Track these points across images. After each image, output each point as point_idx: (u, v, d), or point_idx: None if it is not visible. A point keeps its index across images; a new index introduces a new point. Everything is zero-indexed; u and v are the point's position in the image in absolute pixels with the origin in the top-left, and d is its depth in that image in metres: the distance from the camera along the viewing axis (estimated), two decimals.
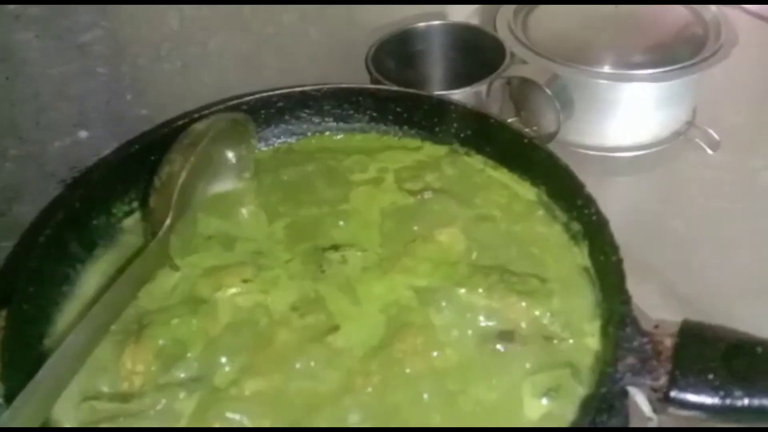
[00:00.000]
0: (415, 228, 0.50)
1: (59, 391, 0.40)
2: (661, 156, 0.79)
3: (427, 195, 0.52)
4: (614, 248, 0.43)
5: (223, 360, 0.44)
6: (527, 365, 0.42)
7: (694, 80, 0.75)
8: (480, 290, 0.46)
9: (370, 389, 0.42)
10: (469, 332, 0.44)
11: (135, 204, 0.55)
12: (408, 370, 0.42)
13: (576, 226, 0.50)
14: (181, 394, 0.41)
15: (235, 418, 0.41)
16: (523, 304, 0.45)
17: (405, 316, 0.45)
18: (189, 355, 0.44)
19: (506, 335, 0.43)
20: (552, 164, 0.50)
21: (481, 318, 0.45)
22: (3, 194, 0.71)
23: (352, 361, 0.43)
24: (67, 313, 0.47)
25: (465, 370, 0.42)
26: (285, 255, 0.50)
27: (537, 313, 0.45)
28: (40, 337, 0.45)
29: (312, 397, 0.42)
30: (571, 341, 0.43)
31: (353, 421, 0.40)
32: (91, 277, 0.50)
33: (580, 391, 0.40)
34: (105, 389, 0.43)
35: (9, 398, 0.39)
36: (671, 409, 0.37)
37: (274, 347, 0.45)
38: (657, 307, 0.56)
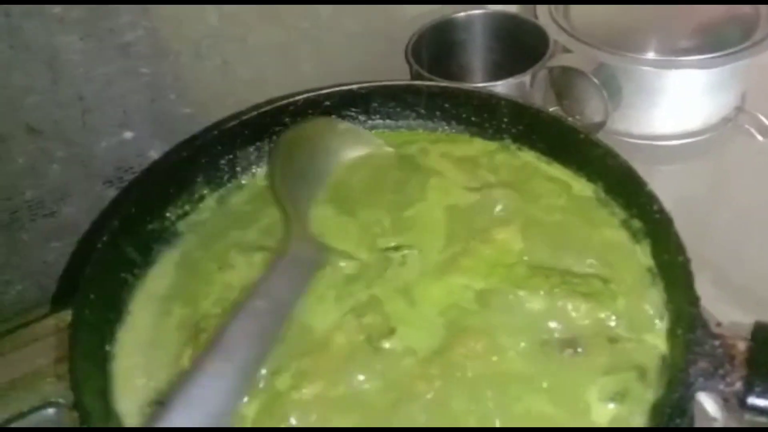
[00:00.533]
0: (475, 227, 0.49)
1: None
2: (710, 143, 0.77)
3: (488, 193, 0.51)
4: (681, 248, 0.41)
5: (280, 364, 0.44)
6: (592, 369, 0.41)
7: (744, 65, 0.73)
8: (541, 292, 0.45)
9: (430, 394, 0.41)
10: (531, 336, 0.43)
11: (187, 207, 0.55)
12: (470, 374, 0.42)
13: (636, 224, 0.48)
14: (244, 398, 0.41)
15: (297, 422, 0.41)
16: (587, 306, 0.44)
17: (464, 319, 0.45)
18: None
19: (570, 342, 0.42)
20: (611, 161, 0.49)
21: (543, 321, 0.44)
22: (51, 195, 0.72)
23: (412, 365, 0.43)
24: (127, 318, 0.48)
25: (528, 375, 0.42)
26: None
27: (602, 315, 0.44)
28: (102, 342, 0.46)
29: (372, 400, 0.42)
30: (636, 343, 0.42)
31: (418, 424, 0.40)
32: (149, 281, 0.50)
33: (648, 395, 0.39)
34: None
35: (78, 406, 0.39)
36: (747, 416, 0.36)
37: (331, 351, 0.44)
38: (711, 297, 0.55)
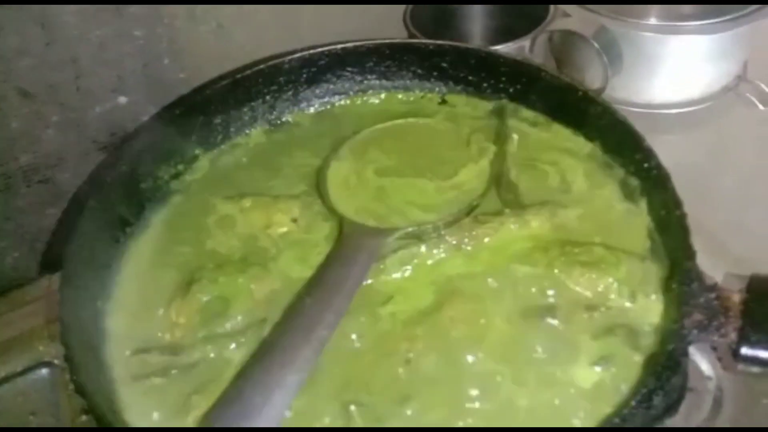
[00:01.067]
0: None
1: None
2: (711, 112, 0.76)
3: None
4: (677, 203, 0.41)
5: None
6: (582, 335, 0.41)
7: (746, 32, 0.72)
8: (539, 267, 0.45)
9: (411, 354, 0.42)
10: (521, 305, 0.43)
11: (180, 167, 0.54)
12: (453, 335, 0.42)
13: (634, 182, 0.48)
14: (231, 345, 0.42)
15: None
16: (590, 276, 0.43)
17: (455, 284, 0.45)
18: (231, 311, 0.44)
19: (551, 309, 0.42)
20: (609, 117, 0.48)
21: (537, 292, 0.44)
22: (46, 161, 0.71)
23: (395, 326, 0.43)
24: (118, 275, 0.48)
25: (515, 341, 0.42)
26: None
27: (605, 282, 0.43)
28: (94, 298, 0.46)
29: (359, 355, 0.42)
30: (632, 306, 0.42)
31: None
32: (140, 240, 0.50)
33: (636, 358, 0.39)
34: (152, 342, 0.44)
35: (68, 359, 0.39)
36: (741, 366, 0.35)
37: None
38: (709, 266, 0.55)
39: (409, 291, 0.45)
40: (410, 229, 0.48)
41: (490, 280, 0.45)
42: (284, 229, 0.49)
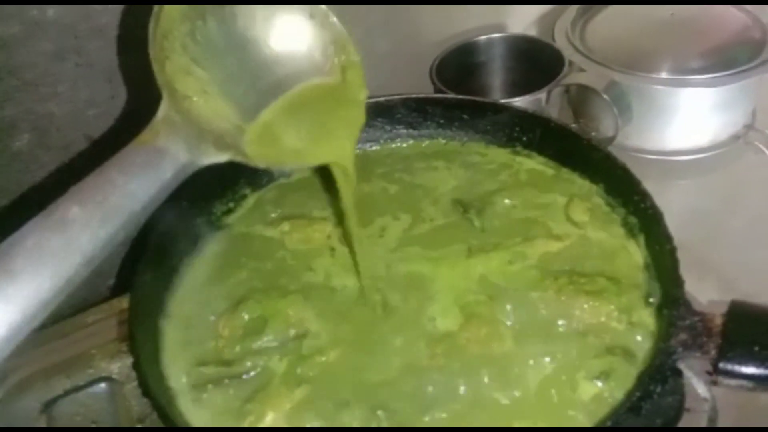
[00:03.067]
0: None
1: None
2: (721, 159, 0.80)
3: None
4: (668, 238, 0.46)
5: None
6: (584, 354, 0.46)
7: (753, 83, 0.77)
8: (551, 292, 0.50)
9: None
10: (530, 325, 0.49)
11: (231, 204, 0.62)
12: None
13: (633, 220, 0.53)
14: (275, 357, 0.48)
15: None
16: (593, 303, 0.48)
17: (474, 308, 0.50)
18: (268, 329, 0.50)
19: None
20: (610, 162, 0.54)
21: (546, 315, 0.49)
22: None
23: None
24: (176, 297, 0.54)
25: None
26: None
27: (607, 309, 0.48)
28: (155, 317, 0.52)
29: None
30: (629, 329, 0.47)
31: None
32: (196, 268, 0.57)
33: (633, 372, 0.44)
34: (205, 356, 0.50)
35: (136, 366, 0.45)
36: (722, 380, 0.40)
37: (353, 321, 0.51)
38: (719, 305, 0.58)
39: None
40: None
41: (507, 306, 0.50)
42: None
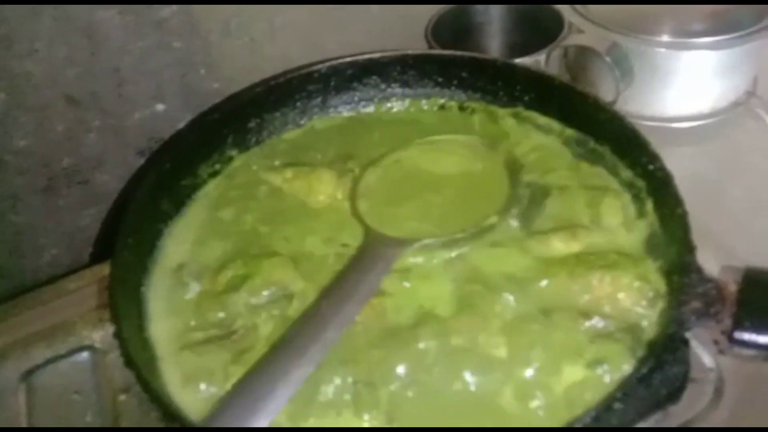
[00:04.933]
0: None
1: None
2: (721, 126, 0.78)
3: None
4: (679, 201, 0.44)
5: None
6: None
7: (756, 48, 0.74)
8: (561, 276, 0.47)
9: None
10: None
11: (218, 166, 0.59)
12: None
13: (640, 183, 0.51)
14: (261, 317, 0.47)
15: None
16: (609, 276, 0.46)
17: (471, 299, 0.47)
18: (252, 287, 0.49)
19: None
20: (617, 123, 0.51)
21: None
22: (86, 163, 0.76)
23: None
24: (160, 263, 0.52)
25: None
26: None
27: (625, 281, 0.45)
28: (138, 284, 0.50)
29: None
30: (641, 304, 0.44)
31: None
32: (179, 232, 0.54)
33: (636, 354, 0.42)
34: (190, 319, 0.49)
35: (118, 335, 0.43)
36: (736, 349, 0.38)
37: None
38: (718, 269, 0.57)
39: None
40: (428, 241, 0.50)
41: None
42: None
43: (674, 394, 0.47)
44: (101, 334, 0.59)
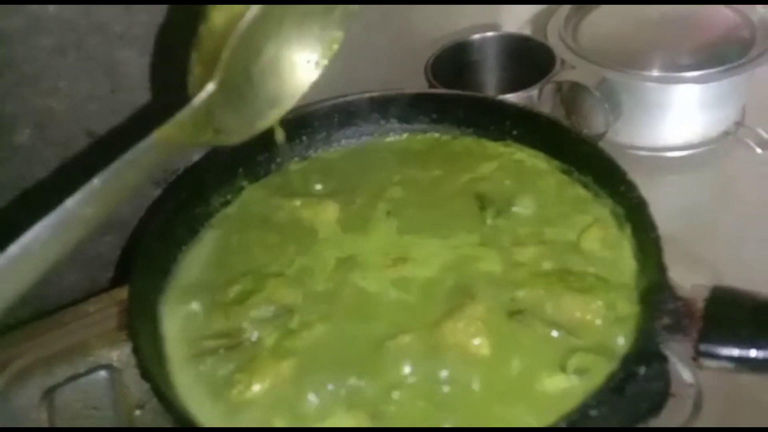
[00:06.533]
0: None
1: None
2: (711, 155, 0.81)
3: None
4: (652, 225, 0.48)
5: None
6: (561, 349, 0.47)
7: (742, 80, 0.78)
8: (539, 290, 0.50)
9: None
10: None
11: (229, 196, 0.63)
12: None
13: (620, 210, 0.55)
14: (265, 331, 0.51)
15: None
16: (580, 299, 0.49)
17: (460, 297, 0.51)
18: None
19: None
20: (597, 155, 0.55)
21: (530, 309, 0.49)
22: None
23: None
24: (174, 284, 0.56)
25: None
26: None
27: (593, 307, 0.48)
28: (155, 303, 0.54)
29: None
30: (612, 325, 0.47)
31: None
32: (193, 255, 0.59)
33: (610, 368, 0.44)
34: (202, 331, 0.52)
35: (136, 351, 0.47)
36: (703, 361, 0.41)
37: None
38: (702, 289, 0.59)
39: None
40: None
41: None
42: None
43: (654, 408, 0.49)
44: (118, 354, 0.63)
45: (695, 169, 0.83)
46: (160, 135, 0.42)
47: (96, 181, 0.39)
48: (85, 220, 0.39)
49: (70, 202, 0.38)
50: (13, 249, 0.36)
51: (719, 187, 0.82)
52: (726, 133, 0.82)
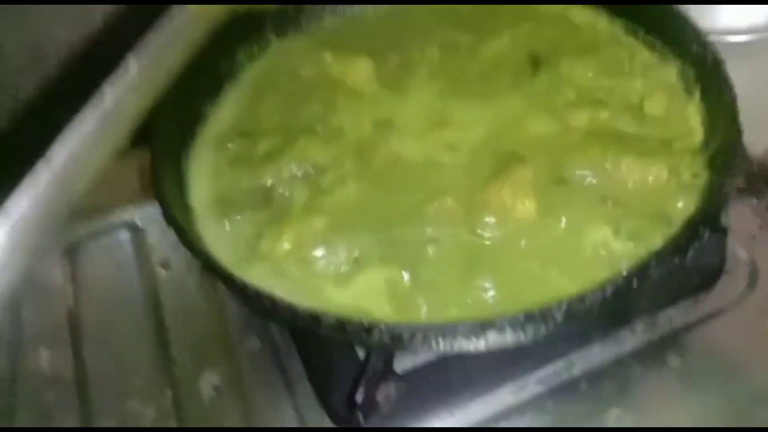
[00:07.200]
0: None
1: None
2: None
3: None
4: (729, 86, 0.43)
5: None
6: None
7: None
8: (593, 153, 0.46)
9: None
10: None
11: (255, 48, 0.59)
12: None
13: (690, 72, 0.50)
14: (298, 188, 0.48)
15: None
16: (640, 163, 0.45)
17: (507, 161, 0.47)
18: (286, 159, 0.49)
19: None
20: (668, 11, 0.50)
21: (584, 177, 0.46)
22: None
23: None
24: (200, 138, 0.53)
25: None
26: None
27: (654, 171, 0.44)
28: (179, 157, 0.51)
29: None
30: (676, 194, 0.43)
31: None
32: (219, 111, 0.55)
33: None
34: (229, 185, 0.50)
35: (159, 197, 0.44)
36: None
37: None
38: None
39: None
40: None
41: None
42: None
43: (707, 282, 0.47)
44: (141, 214, 0.61)
45: (759, 55, 0.76)
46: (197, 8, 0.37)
47: (133, 64, 0.35)
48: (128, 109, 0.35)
49: (108, 91, 0.34)
50: (58, 156, 0.31)
51: None
52: None
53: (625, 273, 0.37)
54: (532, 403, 0.46)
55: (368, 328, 0.37)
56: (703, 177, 0.43)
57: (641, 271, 0.37)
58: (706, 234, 0.38)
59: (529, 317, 0.35)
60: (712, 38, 0.73)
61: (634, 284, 0.36)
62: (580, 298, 0.35)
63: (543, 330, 0.37)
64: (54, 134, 0.34)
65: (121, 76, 0.36)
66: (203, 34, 0.40)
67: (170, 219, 0.43)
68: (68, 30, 0.73)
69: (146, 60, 0.37)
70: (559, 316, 0.35)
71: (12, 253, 0.30)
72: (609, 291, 0.36)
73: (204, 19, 0.40)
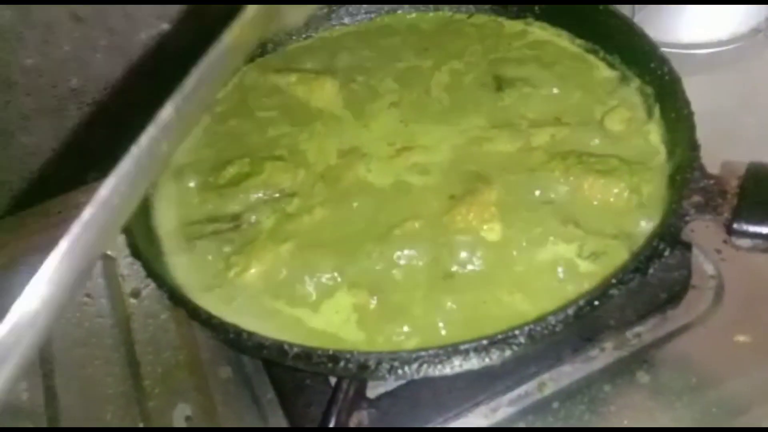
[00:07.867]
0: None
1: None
2: (739, 53, 0.76)
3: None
4: (686, 102, 0.44)
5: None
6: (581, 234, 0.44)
7: None
8: (557, 173, 0.46)
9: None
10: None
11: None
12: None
13: (649, 90, 0.50)
14: (263, 215, 0.48)
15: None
16: (603, 182, 0.45)
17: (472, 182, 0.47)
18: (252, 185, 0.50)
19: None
20: (627, 29, 0.51)
21: (548, 193, 0.46)
22: (95, 84, 0.76)
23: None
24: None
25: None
26: None
27: (615, 190, 0.45)
28: None
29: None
30: (636, 210, 0.44)
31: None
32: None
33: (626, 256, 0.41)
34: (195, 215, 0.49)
35: (126, 230, 0.44)
36: (734, 240, 0.38)
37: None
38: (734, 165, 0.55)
39: None
40: None
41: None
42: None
43: (674, 298, 0.47)
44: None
45: (722, 68, 0.78)
46: (232, 37, 0.36)
47: (169, 109, 0.33)
48: (162, 156, 0.32)
49: (144, 141, 0.31)
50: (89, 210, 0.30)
51: (746, 88, 0.77)
52: (756, 30, 0.77)
53: (586, 292, 0.37)
54: (505, 424, 0.46)
55: (334, 358, 0.36)
56: (664, 194, 0.44)
57: (603, 289, 0.37)
58: (667, 251, 0.39)
59: (493, 342, 0.35)
60: (675, 52, 0.76)
61: (596, 303, 0.36)
62: (543, 321, 0.35)
63: (508, 353, 0.37)
64: None
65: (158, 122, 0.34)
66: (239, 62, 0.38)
67: (134, 250, 0.43)
68: None
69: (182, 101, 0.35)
70: (522, 339, 0.35)
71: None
72: (571, 312, 0.36)
73: (242, 49, 0.38)
